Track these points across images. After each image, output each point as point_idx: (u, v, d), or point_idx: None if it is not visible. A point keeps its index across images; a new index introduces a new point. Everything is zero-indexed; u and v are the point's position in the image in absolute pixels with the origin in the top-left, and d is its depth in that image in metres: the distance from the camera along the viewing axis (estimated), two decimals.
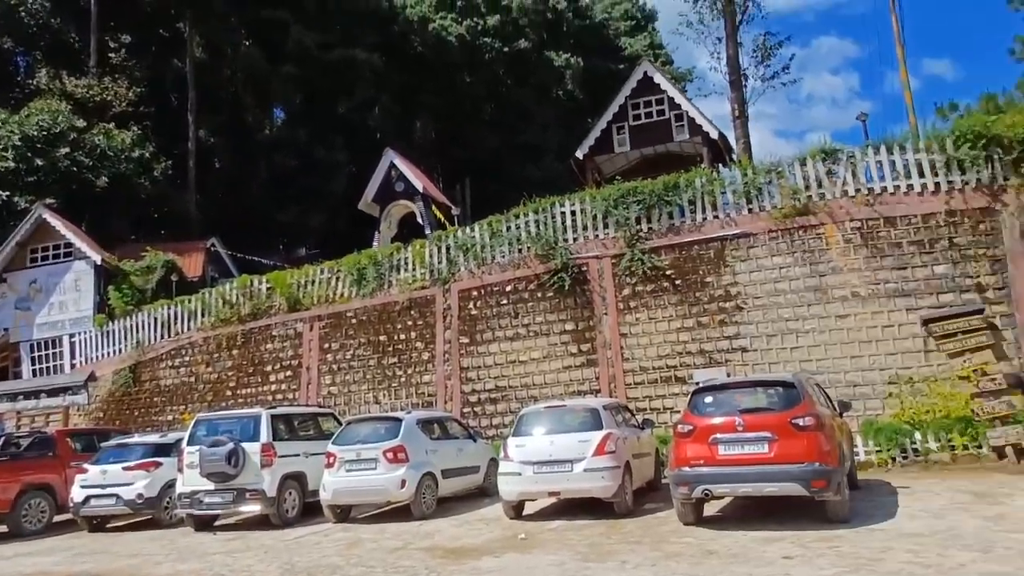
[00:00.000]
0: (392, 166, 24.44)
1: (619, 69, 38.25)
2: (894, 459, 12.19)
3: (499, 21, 38.01)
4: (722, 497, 9.22)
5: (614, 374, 15.06)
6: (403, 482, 10.76)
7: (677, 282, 14.92)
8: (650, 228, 15.46)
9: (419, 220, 23.93)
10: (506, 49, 37.96)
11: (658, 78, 22.81)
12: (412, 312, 17.46)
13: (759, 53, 24.30)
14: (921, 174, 13.78)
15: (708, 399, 9.18)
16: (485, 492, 12.70)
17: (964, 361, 12.49)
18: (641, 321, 15.11)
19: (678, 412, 13.30)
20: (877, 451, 12.30)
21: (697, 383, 11.19)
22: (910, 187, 13.84)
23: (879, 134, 15.35)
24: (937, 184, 13.66)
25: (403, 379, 17.12)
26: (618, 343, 15.14)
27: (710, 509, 9.51)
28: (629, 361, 15.03)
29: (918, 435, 12.29)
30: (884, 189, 14.02)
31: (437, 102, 37.17)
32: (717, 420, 8.76)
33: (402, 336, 17.43)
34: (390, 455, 10.86)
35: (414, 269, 17.86)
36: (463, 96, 37.74)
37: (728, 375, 13.61)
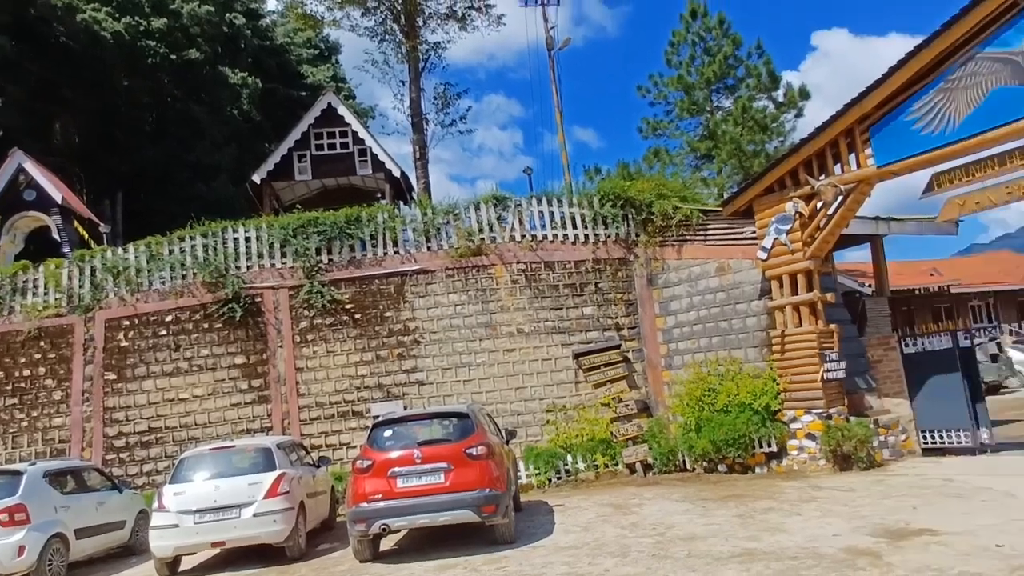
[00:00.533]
0: (21, 170, 20.50)
1: (301, 96, 37.37)
2: (550, 480, 13.42)
3: (166, 25, 34.67)
4: (399, 531, 9.21)
5: (288, 410, 14.32)
6: (21, 549, 8.83)
7: (357, 316, 14.80)
8: (331, 260, 15.16)
9: (55, 236, 20.38)
10: (174, 56, 34.73)
11: (342, 110, 22.75)
12: (42, 343, 14.69)
13: (439, 101, 25.75)
14: (575, 225, 15.64)
15: (387, 433, 9.17)
16: (132, 550, 11.06)
17: (605, 390, 14.35)
18: (319, 355, 14.65)
19: (355, 448, 13.11)
20: (536, 474, 13.44)
21: (375, 417, 11.12)
22: (566, 236, 15.60)
23: (540, 187, 17.16)
24: (587, 235, 15.61)
25: (25, 423, 14.25)
26: (293, 378, 14.47)
27: (386, 543, 9.43)
28: (305, 396, 14.43)
29: (570, 457, 13.72)
30: (545, 237, 15.60)
31: (85, 103, 32.40)
32: (396, 453, 8.78)
33: (26, 372, 14.54)
34: (5, 517, 8.85)
35: (46, 293, 15.10)
36: (119, 100, 33.47)
37: (405, 408, 13.81)
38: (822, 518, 8.29)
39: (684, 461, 13.46)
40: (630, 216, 15.58)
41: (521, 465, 13.40)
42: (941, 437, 12.00)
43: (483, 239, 15.29)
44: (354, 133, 22.58)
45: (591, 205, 15.68)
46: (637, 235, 15.59)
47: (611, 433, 14.00)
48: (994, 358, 24.58)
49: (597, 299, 15.33)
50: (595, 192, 16.04)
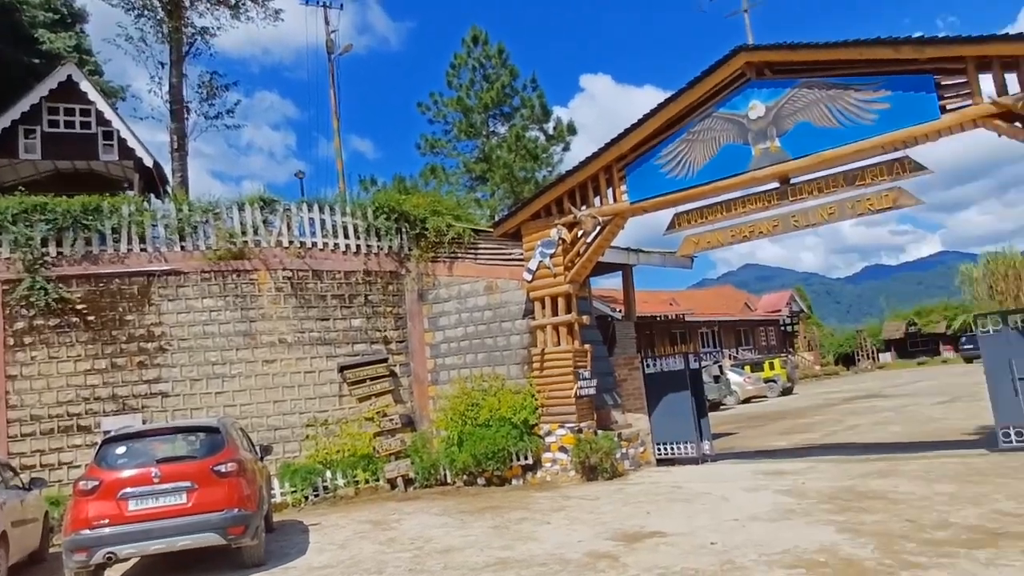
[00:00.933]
0: None
1: (35, 64, 32.56)
2: (307, 498, 12.83)
3: None
4: (128, 559, 8.21)
5: None
6: None
7: (90, 318, 13.06)
8: (60, 253, 13.23)
9: None
10: None
11: (85, 86, 20.13)
12: None
13: (205, 90, 23.82)
14: (347, 235, 15.26)
15: (120, 450, 8.17)
16: None
17: (370, 404, 14.10)
18: (38, 360, 12.68)
19: (79, 467, 11.52)
20: (292, 491, 12.77)
21: (106, 432, 9.86)
22: (336, 246, 15.16)
23: (313, 193, 16.53)
24: (359, 246, 15.30)
25: None
26: (3, 387, 12.36)
27: (114, 573, 8.35)
28: (17, 408, 12.39)
29: (329, 473, 13.24)
30: (315, 244, 15.01)
31: None
32: (129, 472, 7.84)
33: None
34: None
35: None
36: None
37: (144, 422, 12.42)
38: (569, 526, 8.81)
39: (446, 475, 13.62)
40: (404, 230, 15.57)
41: (276, 483, 12.67)
42: (672, 449, 13.40)
43: (246, 242, 14.33)
44: (99, 113, 20.10)
45: (365, 216, 15.42)
46: (410, 249, 15.62)
47: (374, 448, 13.77)
48: (716, 379, 28.18)
49: (367, 311, 15.08)
50: (370, 203, 15.82)
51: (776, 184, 10.99)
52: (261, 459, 10.21)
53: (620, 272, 16.58)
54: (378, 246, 15.47)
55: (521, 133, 31.56)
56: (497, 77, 32.53)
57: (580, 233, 12.74)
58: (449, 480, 13.58)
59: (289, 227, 14.90)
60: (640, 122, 11.77)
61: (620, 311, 19.20)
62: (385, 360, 14.70)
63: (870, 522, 7.33)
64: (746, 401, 29.65)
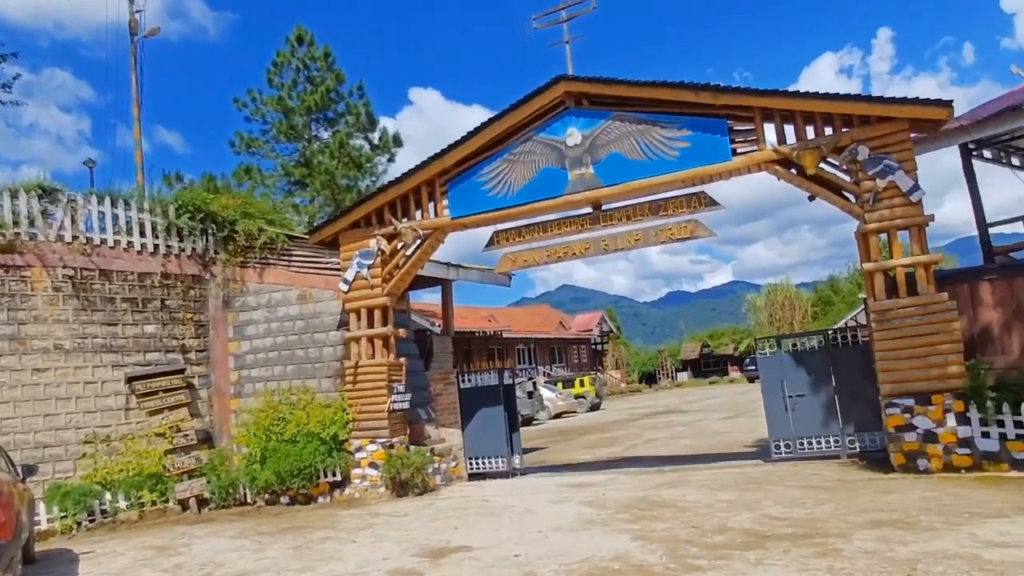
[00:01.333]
0: None
1: None
2: (80, 523, 11.42)
3: None
4: None
5: None
6: None
7: None
8: None
9: None
10: None
11: None
12: None
13: None
14: (143, 234, 13.94)
15: None
16: None
17: (162, 418, 12.91)
18: None
19: None
20: (63, 517, 11.31)
21: None
22: (131, 244, 13.79)
23: (105, 185, 14.92)
24: (156, 246, 14.03)
25: None
26: None
27: None
28: None
29: (109, 495, 11.90)
30: (104, 241, 13.54)
31: None
32: None
33: None
34: None
35: None
36: None
37: None
38: (375, 543, 8.56)
39: (246, 494, 12.77)
40: (211, 232, 14.53)
41: (42, 507, 11.17)
42: (485, 463, 13.53)
43: (19, 234, 12.63)
44: None
45: (166, 214, 14.20)
46: (216, 253, 14.59)
47: (164, 466, 12.59)
48: (530, 395, 29.04)
49: (163, 317, 13.84)
50: (172, 200, 14.59)
51: (589, 209, 11.55)
52: (23, 480, 8.95)
53: (440, 287, 16.60)
54: (180, 247, 14.29)
55: (345, 140, 30.79)
56: (322, 80, 31.52)
57: (400, 245, 12.59)
58: (250, 500, 12.74)
59: (74, 221, 13.34)
60: (464, 139, 11.89)
61: (439, 325, 19.21)
62: (182, 371, 13.55)
63: (660, 529, 7.80)
64: (557, 416, 30.81)
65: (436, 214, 12.38)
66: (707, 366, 57.50)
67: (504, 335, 38.04)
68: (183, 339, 14.01)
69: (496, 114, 11.66)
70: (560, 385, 34.07)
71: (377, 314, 12.53)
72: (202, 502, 12.62)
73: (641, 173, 10.87)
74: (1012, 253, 11.47)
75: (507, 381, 14.05)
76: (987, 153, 11.66)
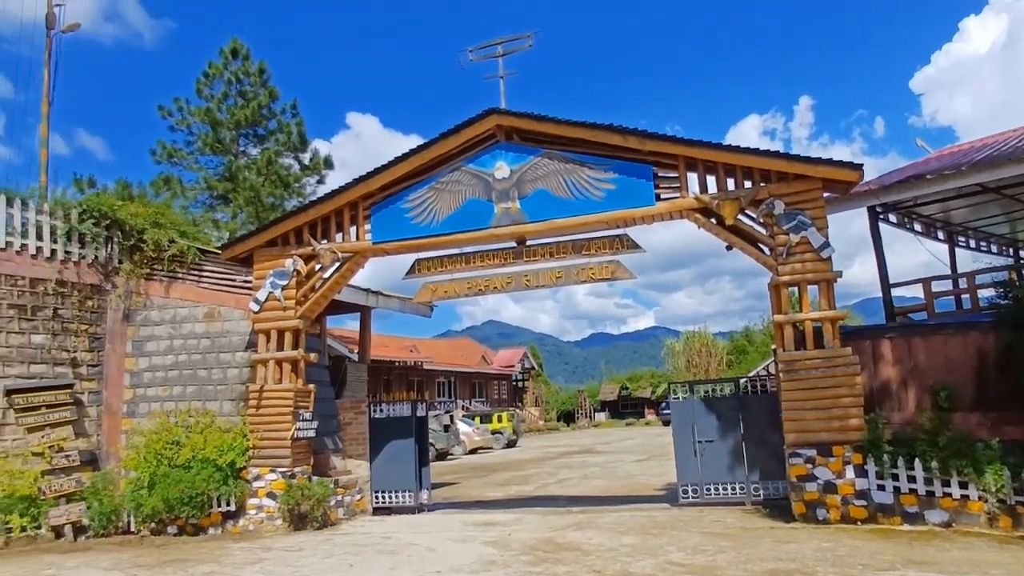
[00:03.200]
0: None
1: None
2: None
3: None
4: None
5: None
6: None
7: None
8: None
9: None
10: None
11: None
12: None
13: None
14: (40, 237, 13.06)
15: None
16: None
17: (43, 436, 11.94)
18: None
19: None
20: None
21: None
22: (24, 247, 12.88)
23: (8, 183, 13.94)
24: (54, 251, 13.16)
25: None
26: None
27: None
28: None
29: None
30: None
31: None
32: None
33: None
34: None
35: None
36: None
37: None
38: None
39: (130, 522, 11.90)
40: (116, 240, 13.76)
41: None
42: (391, 497, 13.07)
43: None
44: None
45: (67, 218, 13.37)
46: (120, 262, 13.81)
47: (39, 489, 11.59)
48: (446, 428, 28.52)
49: (53, 327, 12.92)
50: (76, 204, 13.76)
51: (513, 243, 11.48)
52: None
53: (359, 313, 16.16)
54: (80, 254, 13.45)
55: (274, 158, 30.06)
56: (255, 96, 30.83)
57: (317, 267, 12.19)
58: (133, 528, 11.87)
59: None
60: (391, 164, 11.69)
61: (357, 352, 18.69)
62: (70, 386, 12.63)
63: (562, 573, 7.61)
64: (473, 452, 30.37)
65: (357, 238, 12.06)
66: (625, 408, 58.15)
67: (425, 366, 37.48)
68: (75, 352, 13.09)
69: (425, 141, 11.53)
70: (478, 420, 33.70)
71: (288, 337, 12.03)
72: (79, 530, 11.68)
73: (567, 211, 10.89)
74: (910, 314, 12.03)
75: (420, 413, 13.70)
76: (892, 217, 12.26)
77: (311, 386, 12.19)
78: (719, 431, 11.46)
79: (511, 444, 33.71)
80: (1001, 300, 9.90)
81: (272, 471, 11.58)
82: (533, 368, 54.12)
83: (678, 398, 12.00)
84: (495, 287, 11.56)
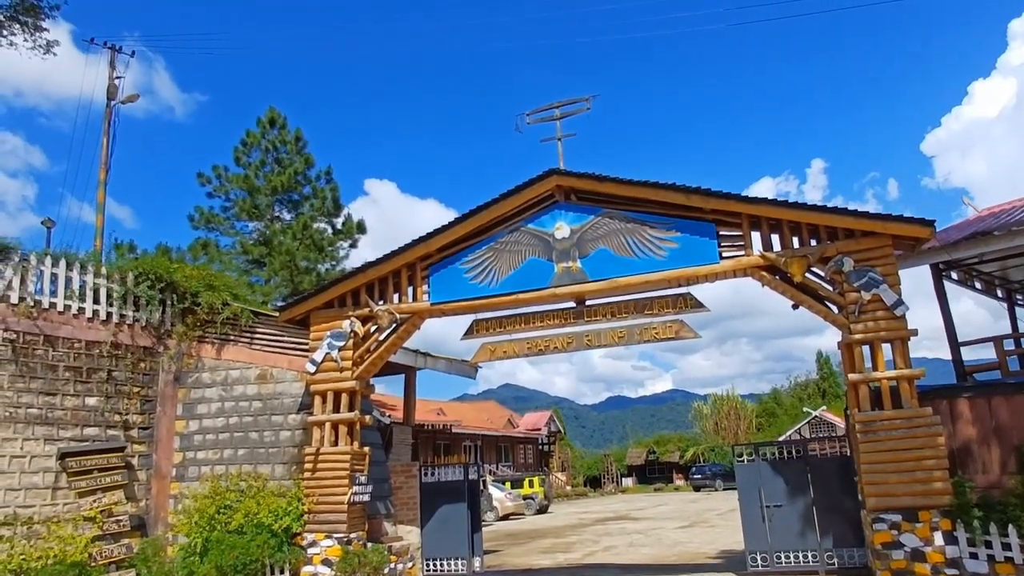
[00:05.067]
0: None
1: None
2: None
3: None
4: None
5: None
6: None
7: None
8: None
9: None
10: None
11: None
12: None
13: None
14: (96, 300, 13.19)
15: None
16: None
17: (94, 500, 11.78)
18: None
19: None
20: None
21: None
22: (81, 310, 13.00)
23: (62, 248, 14.20)
24: (110, 314, 13.25)
25: None
26: None
27: None
28: None
29: None
30: (53, 305, 12.73)
31: None
32: None
33: None
34: None
35: None
36: None
37: None
38: None
39: None
40: (170, 302, 13.85)
41: None
42: (443, 565, 12.69)
43: None
44: None
45: (124, 281, 13.52)
46: (173, 325, 13.87)
47: (90, 555, 11.37)
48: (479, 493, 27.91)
49: (107, 390, 12.89)
50: (132, 267, 13.93)
51: (573, 303, 11.42)
52: None
53: (403, 374, 16.04)
54: (134, 317, 13.53)
55: (309, 223, 30.52)
56: (291, 163, 31.54)
57: (374, 328, 12.17)
58: None
59: (24, 281, 12.54)
60: (450, 225, 11.78)
61: (389, 416, 18.48)
62: (122, 449, 12.53)
63: None
64: (504, 518, 29.64)
65: (415, 298, 12.07)
66: (651, 472, 56.86)
67: (453, 430, 37.01)
68: (127, 414, 13.03)
69: (484, 202, 11.62)
70: (508, 485, 33.00)
71: (344, 398, 11.92)
72: None
73: (629, 270, 10.85)
74: (976, 374, 11.73)
75: (472, 476, 13.43)
76: (955, 275, 12.11)
77: (366, 449, 12.00)
78: (787, 495, 11.10)
79: (542, 510, 32.90)
80: None
81: (328, 537, 11.30)
82: (559, 432, 53.29)
83: (743, 460, 11.67)
84: (555, 347, 11.45)
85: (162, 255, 24.66)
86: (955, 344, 11.03)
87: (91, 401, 12.66)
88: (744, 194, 10.39)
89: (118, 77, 16.79)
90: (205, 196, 31.39)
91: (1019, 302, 14.13)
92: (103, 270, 13.51)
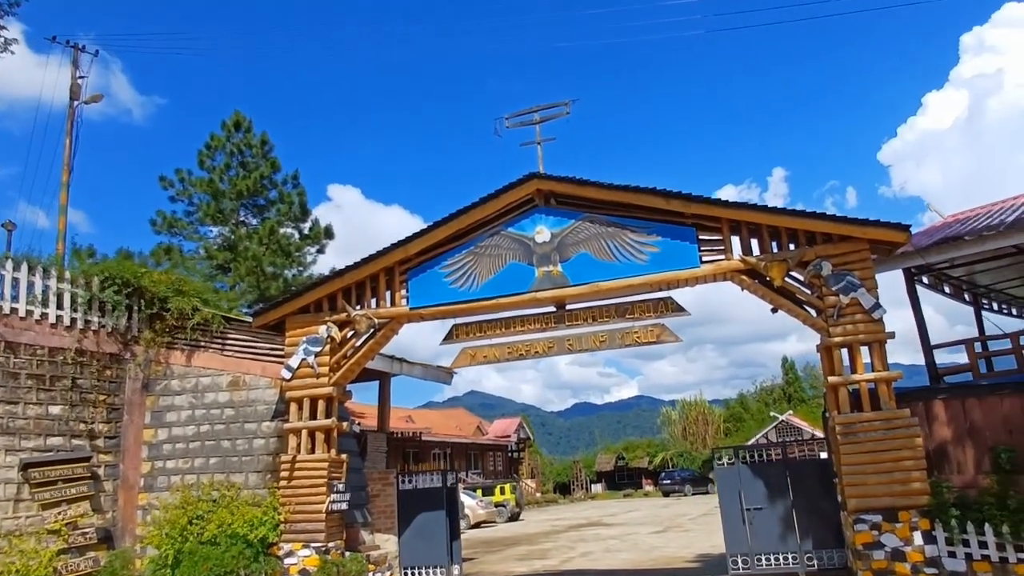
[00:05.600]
0: None
1: None
2: None
3: None
4: None
5: None
6: None
7: None
8: None
9: None
10: None
11: None
12: None
13: None
14: (60, 305, 12.74)
15: None
16: None
17: (59, 513, 11.35)
18: None
19: None
20: None
21: None
22: (44, 315, 12.54)
23: (21, 250, 13.69)
24: (74, 319, 12.82)
25: None
26: None
27: None
28: None
29: None
30: (15, 311, 12.28)
31: None
32: None
33: None
34: None
35: None
36: None
37: None
38: None
39: None
40: (137, 308, 13.46)
41: None
42: (421, 573, 12.49)
43: None
44: None
45: (89, 286, 13.09)
46: (140, 331, 13.47)
47: (55, 569, 10.93)
48: None
49: (72, 398, 12.44)
50: (98, 271, 13.50)
51: (554, 308, 11.37)
52: None
53: (377, 381, 15.81)
54: (100, 323, 13.11)
55: (275, 227, 30.03)
56: (256, 167, 31.02)
57: (351, 334, 11.96)
58: None
59: None
60: (429, 228, 11.65)
61: (358, 424, 18.24)
62: (88, 459, 12.11)
63: None
64: (476, 526, 29.42)
65: (393, 303, 11.90)
66: (621, 478, 57.04)
67: (423, 437, 36.68)
68: (92, 423, 12.60)
69: (464, 206, 11.52)
70: (480, 492, 32.79)
71: (321, 405, 11.68)
72: None
73: (610, 274, 10.84)
74: (947, 377, 11.97)
75: (450, 483, 13.27)
76: (926, 279, 12.35)
77: (344, 456, 11.78)
78: (767, 498, 11.17)
79: (514, 517, 32.74)
80: None
81: (305, 547, 11.04)
82: (528, 438, 53.19)
83: (723, 464, 11.72)
84: (536, 351, 11.39)
85: (125, 259, 24.07)
86: (928, 347, 11.24)
87: (55, 410, 12.21)
88: (724, 198, 10.47)
89: (81, 76, 16.32)
90: (167, 200, 30.71)
91: (985, 306, 14.49)
92: (67, 274, 13.07)
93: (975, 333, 13.93)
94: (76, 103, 16.19)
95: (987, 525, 8.71)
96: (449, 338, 11.79)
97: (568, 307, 11.34)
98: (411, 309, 11.73)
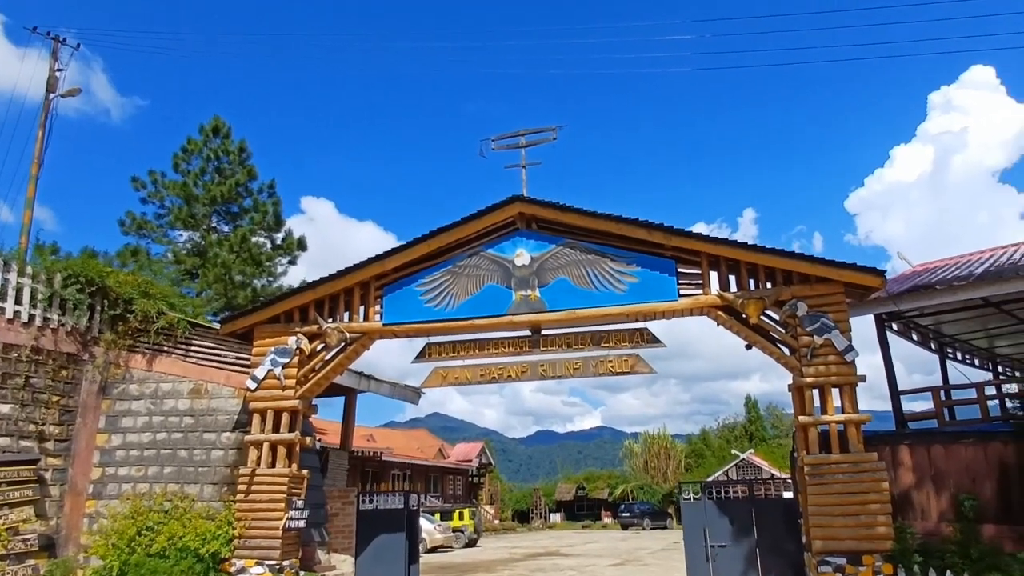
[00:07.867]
0: None
1: None
2: None
3: None
4: None
5: None
6: None
7: None
8: None
9: None
10: None
11: None
12: None
13: None
14: (19, 300, 12.31)
15: None
16: None
17: (0, 518, 10.85)
18: None
19: None
20: None
21: None
22: (1, 310, 12.13)
23: None
24: (32, 316, 12.39)
25: None
26: None
27: None
28: None
29: None
30: None
31: None
32: None
33: None
34: None
35: None
36: None
37: None
38: None
39: None
40: (99, 308, 13.07)
41: None
42: None
43: None
44: None
45: (51, 282, 12.68)
46: (101, 332, 13.07)
47: None
48: None
49: (23, 397, 11.98)
50: (61, 267, 13.10)
51: (529, 332, 11.27)
52: None
53: (343, 397, 15.53)
54: (59, 321, 12.69)
55: (248, 236, 29.60)
56: (232, 174, 30.64)
57: (321, 347, 11.72)
58: None
59: None
60: (408, 245, 11.52)
61: (320, 440, 17.82)
62: (35, 462, 11.63)
63: None
64: (432, 550, 28.89)
65: (366, 318, 11.70)
66: (580, 509, 56.68)
67: (384, 457, 36.10)
68: (43, 425, 12.12)
69: (445, 225, 11.41)
70: (438, 516, 32.28)
71: (285, 417, 11.39)
72: None
73: (587, 302, 10.79)
74: (911, 423, 12.12)
75: (412, 505, 13.01)
76: (895, 326, 12.53)
77: (305, 472, 11.47)
78: (732, 535, 11.11)
79: (471, 543, 32.25)
80: (1020, 411, 10.04)
81: (259, 564, 10.66)
82: (490, 464, 52.68)
83: (689, 499, 11.65)
84: (509, 375, 11.25)
85: (89, 258, 23.46)
86: (895, 393, 11.37)
87: (4, 408, 11.73)
88: (705, 233, 10.53)
89: (60, 69, 15.99)
90: (138, 201, 30.18)
91: (949, 355, 14.75)
92: (28, 269, 12.67)
93: (933, 381, 14.19)
94: (52, 96, 15.83)
95: (948, 573, 8.74)
96: (422, 356, 11.61)
97: (543, 332, 11.25)
98: (384, 325, 11.55)
